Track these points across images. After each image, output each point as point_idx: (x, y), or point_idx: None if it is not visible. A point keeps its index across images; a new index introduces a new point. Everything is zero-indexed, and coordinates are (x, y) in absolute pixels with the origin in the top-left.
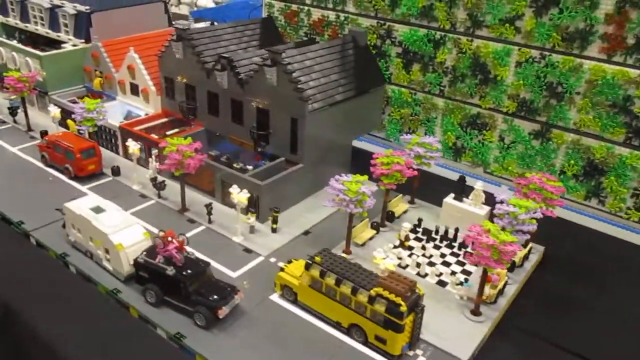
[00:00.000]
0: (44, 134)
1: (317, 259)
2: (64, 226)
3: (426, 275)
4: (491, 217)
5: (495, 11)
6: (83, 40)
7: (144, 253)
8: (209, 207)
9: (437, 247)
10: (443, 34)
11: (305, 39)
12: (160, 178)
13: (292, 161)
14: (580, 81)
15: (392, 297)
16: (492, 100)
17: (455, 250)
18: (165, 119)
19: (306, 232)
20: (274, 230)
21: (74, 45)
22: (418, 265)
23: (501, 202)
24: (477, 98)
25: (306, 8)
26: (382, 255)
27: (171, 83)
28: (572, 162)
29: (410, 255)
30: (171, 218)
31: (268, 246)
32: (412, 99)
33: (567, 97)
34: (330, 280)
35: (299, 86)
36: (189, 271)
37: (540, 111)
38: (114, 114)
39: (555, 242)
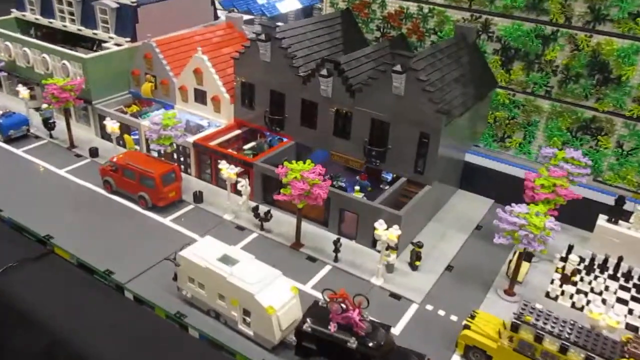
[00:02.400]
0: (93, 151)
1: (527, 318)
2: (175, 279)
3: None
4: None
5: (624, 4)
6: (129, 39)
7: (309, 319)
8: (337, 243)
9: (596, 278)
10: (555, 28)
11: (378, 35)
12: (261, 207)
13: (414, 182)
14: None
15: None
16: (612, 103)
17: (622, 282)
18: (238, 131)
19: (449, 268)
20: (414, 268)
21: (118, 45)
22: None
23: None
24: (594, 100)
25: None
26: (601, 310)
27: (250, 89)
28: None
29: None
30: (285, 256)
31: (416, 289)
32: (510, 100)
33: None
34: (551, 345)
35: (434, 97)
36: (375, 342)
37: None
38: None
39: None
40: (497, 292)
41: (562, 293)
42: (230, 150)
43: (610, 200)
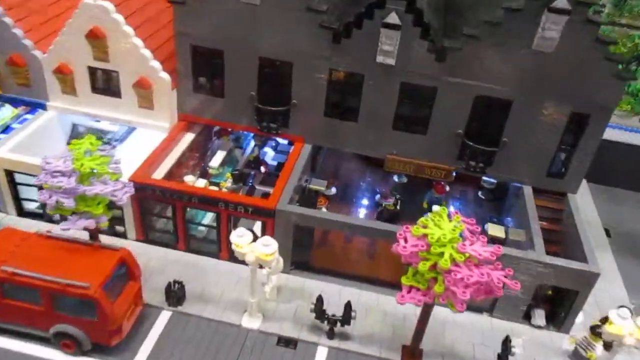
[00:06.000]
0: None
1: None
2: None
3: None
4: None
5: None
6: None
7: None
8: (508, 343)
9: None
10: None
11: None
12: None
13: (547, 191)
14: None
15: None
16: None
17: None
18: (191, 136)
19: None
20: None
21: None
22: None
23: None
24: None
25: None
26: None
27: (211, 61)
28: None
29: None
30: None
31: None
32: None
33: None
34: None
35: (610, 53)
36: None
37: None
38: (46, 141)
39: None
40: None
41: None
42: (223, 189)
43: None
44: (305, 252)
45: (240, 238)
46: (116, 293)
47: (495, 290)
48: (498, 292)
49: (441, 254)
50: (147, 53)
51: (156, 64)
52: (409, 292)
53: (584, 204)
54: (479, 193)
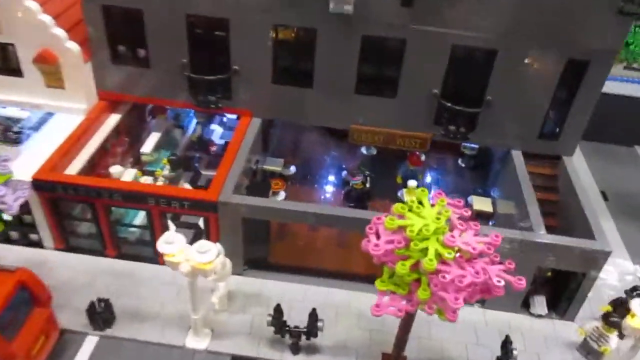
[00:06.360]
0: None
1: None
2: None
3: None
4: None
5: None
6: None
7: None
8: (509, 346)
9: None
10: None
11: None
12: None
13: (537, 155)
14: None
15: None
16: None
17: None
18: (116, 117)
19: None
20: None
21: None
22: None
23: None
24: None
25: None
26: None
27: (130, 23)
28: None
29: None
30: None
31: None
32: None
33: None
34: None
35: None
36: None
37: None
38: None
39: None
40: None
41: None
42: (159, 179)
43: None
44: (260, 248)
45: (169, 245)
46: (16, 327)
47: (493, 290)
48: (498, 292)
49: (424, 250)
50: (46, 19)
51: (60, 32)
52: (385, 299)
53: (577, 165)
54: (459, 161)
